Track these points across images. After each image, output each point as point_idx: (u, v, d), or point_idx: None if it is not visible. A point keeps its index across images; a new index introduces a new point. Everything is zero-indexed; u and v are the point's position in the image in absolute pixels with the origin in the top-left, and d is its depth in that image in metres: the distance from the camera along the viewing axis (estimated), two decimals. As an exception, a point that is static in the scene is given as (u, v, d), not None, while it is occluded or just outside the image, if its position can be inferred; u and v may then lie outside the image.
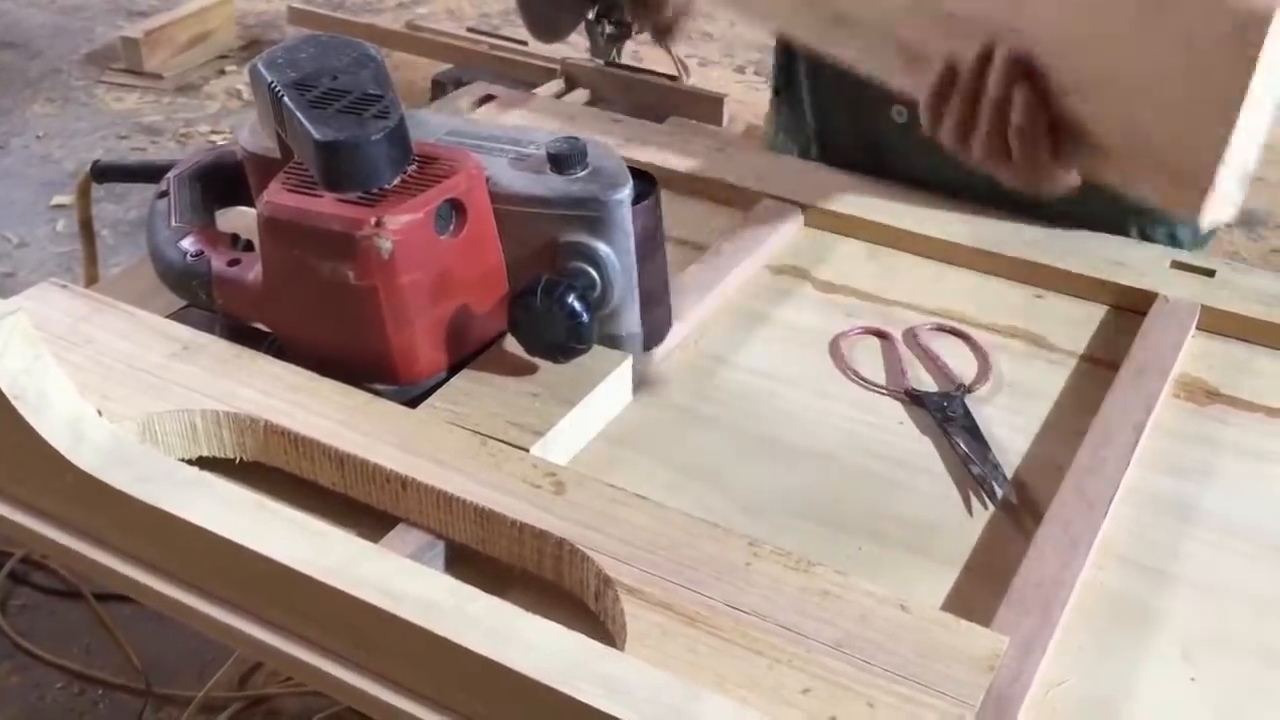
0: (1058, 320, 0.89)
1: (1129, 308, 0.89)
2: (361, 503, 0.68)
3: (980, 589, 0.66)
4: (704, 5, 1.09)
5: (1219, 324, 0.87)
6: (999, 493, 0.72)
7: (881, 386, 0.82)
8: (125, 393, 0.72)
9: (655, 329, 0.80)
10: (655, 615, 0.58)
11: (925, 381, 0.82)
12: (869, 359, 0.85)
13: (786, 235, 0.97)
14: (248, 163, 0.83)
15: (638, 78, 2.64)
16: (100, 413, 0.68)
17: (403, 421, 0.70)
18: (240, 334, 0.78)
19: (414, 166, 0.72)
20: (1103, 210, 0.96)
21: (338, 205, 0.69)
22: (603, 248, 0.73)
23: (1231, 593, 0.67)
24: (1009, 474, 0.74)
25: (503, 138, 0.79)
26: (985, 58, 0.82)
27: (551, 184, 0.74)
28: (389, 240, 0.68)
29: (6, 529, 0.69)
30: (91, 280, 1.02)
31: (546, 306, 0.71)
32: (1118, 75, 0.76)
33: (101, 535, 0.67)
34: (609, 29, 1.20)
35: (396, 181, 0.71)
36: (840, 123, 1.08)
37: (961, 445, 0.76)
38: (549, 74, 2.69)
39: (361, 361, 0.73)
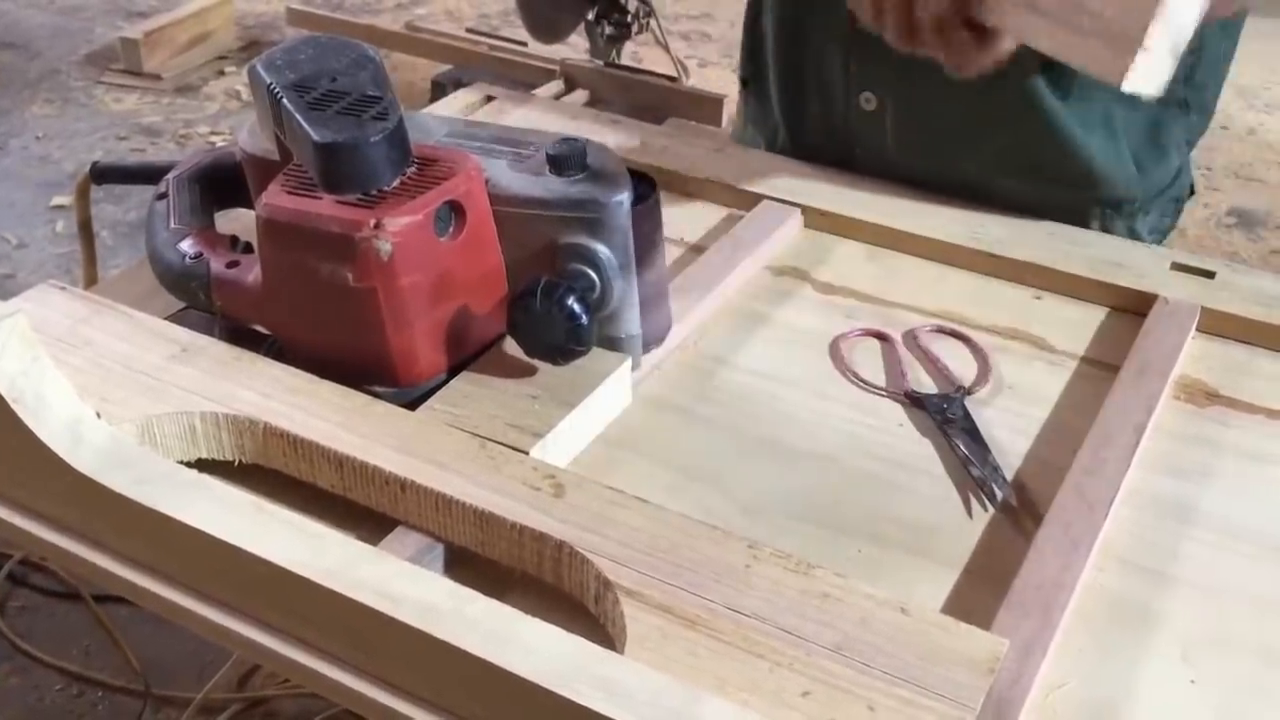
0: (1058, 322, 0.89)
1: (1129, 309, 0.89)
2: (360, 505, 0.68)
3: (980, 591, 0.66)
4: None
5: (1219, 325, 0.87)
6: (999, 495, 0.72)
7: (881, 388, 0.82)
8: (124, 395, 0.72)
9: (655, 331, 0.80)
10: (655, 618, 0.58)
11: (925, 383, 0.82)
12: (869, 361, 0.84)
13: (786, 236, 0.97)
14: (247, 164, 0.83)
15: (637, 79, 2.63)
16: (99, 415, 0.68)
17: (402, 424, 0.70)
18: (239, 336, 0.78)
19: (413, 168, 0.72)
20: (1065, 200, 0.97)
21: (337, 207, 0.69)
22: (602, 249, 0.73)
23: (1232, 594, 0.67)
24: (1009, 476, 0.74)
25: (502, 139, 0.79)
26: None
27: (551, 186, 0.74)
28: (388, 242, 0.68)
29: (5, 531, 0.69)
30: (90, 281, 1.02)
31: (546, 308, 0.71)
32: None
33: (100, 538, 0.67)
34: (608, 30, 1.20)
35: (396, 183, 0.71)
36: (808, 112, 1.08)
37: (961, 447, 0.75)
38: (548, 75, 2.68)
39: (361, 363, 0.73)
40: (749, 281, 0.92)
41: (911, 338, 0.87)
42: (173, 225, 0.81)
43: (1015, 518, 0.71)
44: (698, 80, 3.13)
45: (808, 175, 1.03)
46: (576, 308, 0.70)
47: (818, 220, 0.99)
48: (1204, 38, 1.00)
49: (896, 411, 0.80)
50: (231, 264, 0.77)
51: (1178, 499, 0.73)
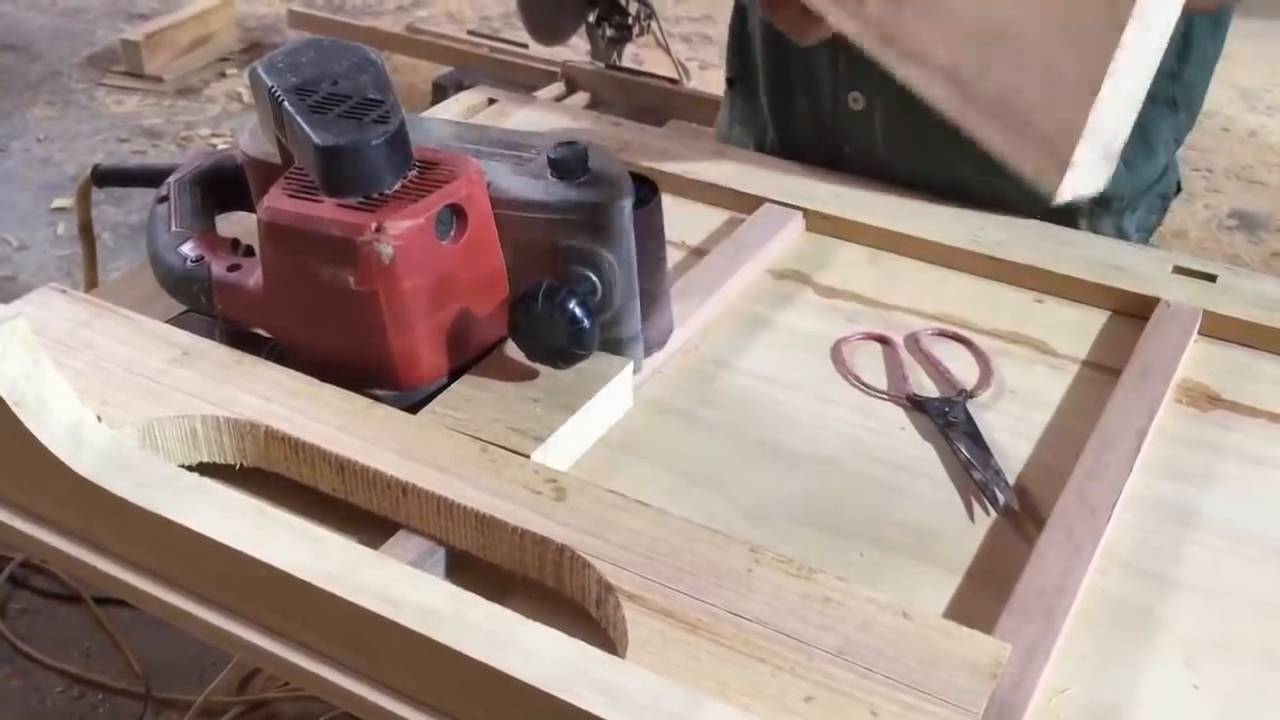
0: (1059, 325, 0.89)
1: (1131, 313, 0.89)
2: (362, 509, 0.68)
3: (982, 595, 0.65)
4: None
5: (1221, 329, 0.87)
6: (1001, 499, 0.72)
7: (883, 392, 0.81)
8: (125, 398, 0.71)
9: (656, 334, 0.79)
10: (656, 622, 0.58)
11: (927, 387, 0.82)
12: (870, 364, 0.84)
13: (787, 240, 0.97)
14: (248, 167, 0.83)
15: (638, 80, 2.64)
16: (100, 418, 0.67)
17: (403, 427, 0.70)
18: (240, 339, 0.78)
19: (415, 171, 0.72)
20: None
21: (338, 210, 0.69)
22: (604, 253, 0.73)
23: (1234, 598, 0.67)
24: (1011, 480, 0.74)
25: (503, 142, 0.79)
26: None
27: (552, 189, 0.74)
28: (390, 245, 0.68)
29: (6, 534, 0.69)
30: (91, 284, 1.02)
31: (547, 312, 0.70)
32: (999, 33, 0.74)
33: (101, 541, 0.67)
34: (609, 32, 1.21)
35: (397, 186, 0.71)
36: (796, 111, 1.08)
37: (963, 451, 0.75)
38: (550, 77, 2.69)
39: (362, 367, 0.73)
40: (750, 285, 0.92)
41: (913, 341, 0.86)
42: (174, 228, 0.81)
43: (1017, 522, 0.71)
44: (699, 82, 3.13)
45: (809, 178, 1.03)
46: (578, 311, 0.70)
47: (819, 223, 0.98)
48: (1193, 37, 1.00)
49: (898, 415, 0.80)
50: (233, 267, 0.77)
51: (1180, 503, 0.73)
